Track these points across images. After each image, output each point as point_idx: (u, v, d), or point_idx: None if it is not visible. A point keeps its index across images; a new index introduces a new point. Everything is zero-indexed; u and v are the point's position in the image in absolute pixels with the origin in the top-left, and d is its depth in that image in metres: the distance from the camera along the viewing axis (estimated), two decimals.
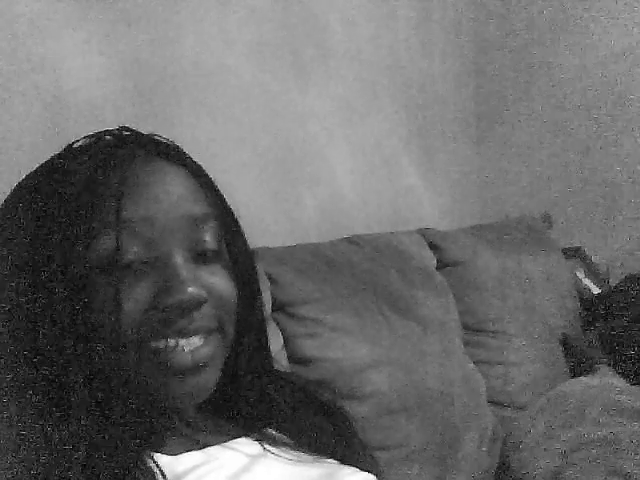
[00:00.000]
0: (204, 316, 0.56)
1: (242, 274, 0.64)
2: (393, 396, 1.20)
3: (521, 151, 2.35)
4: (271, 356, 0.70)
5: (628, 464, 1.21)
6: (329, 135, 1.65)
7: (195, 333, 0.56)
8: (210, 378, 0.58)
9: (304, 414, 0.68)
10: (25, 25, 0.97)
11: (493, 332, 1.59)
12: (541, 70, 2.30)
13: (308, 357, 1.14)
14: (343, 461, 0.65)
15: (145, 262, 0.55)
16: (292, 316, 1.15)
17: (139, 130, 0.63)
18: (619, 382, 1.53)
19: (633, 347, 1.68)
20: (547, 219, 2.15)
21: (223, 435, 0.62)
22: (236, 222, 0.65)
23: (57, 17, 1.01)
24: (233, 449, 0.60)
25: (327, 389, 1.12)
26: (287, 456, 0.62)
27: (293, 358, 1.14)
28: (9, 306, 0.55)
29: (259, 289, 0.67)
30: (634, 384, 1.52)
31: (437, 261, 1.57)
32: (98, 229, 0.54)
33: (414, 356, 1.29)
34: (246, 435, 0.63)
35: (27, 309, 0.54)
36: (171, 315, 0.54)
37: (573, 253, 2.05)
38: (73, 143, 0.61)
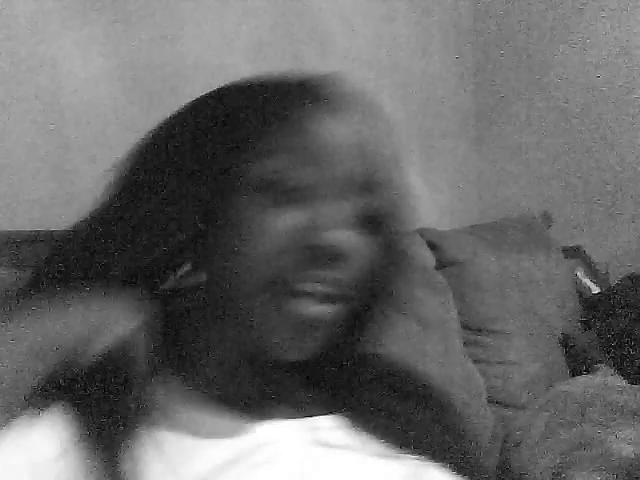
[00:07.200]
0: (337, 276, 0.50)
1: (391, 249, 0.58)
2: None
3: (521, 151, 2.35)
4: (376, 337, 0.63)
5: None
6: None
7: (323, 300, 0.50)
8: (316, 342, 0.52)
9: (395, 402, 0.62)
10: (25, 25, 0.97)
11: (493, 332, 1.59)
12: (541, 70, 2.30)
13: None
14: (435, 460, 0.56)
15: (304, 191, 0.50)
16: None
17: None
18: (619, 382, 1.53)
19: (633, 347, 1.68)
20: (547, 218, 2.15)
21: (301, 410, 0.57)
22: (406, 194, 0.59)
23: (57, 17, 1.01)
24: (308, 428, 0.55)
25: None
26: (367, 448, 0.55)
27: None
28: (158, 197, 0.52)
29: (407, 266, 0.62)
30: (634, 384, 1.52)
31: (436, 261, 1.57)
32: (267, 150, 0.50)
33: (414, 355, 1.29)
34: (325, 414, 0.57)
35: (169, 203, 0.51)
36: (311, 256, 0.48)
37: (573, 253, 2.05)
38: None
